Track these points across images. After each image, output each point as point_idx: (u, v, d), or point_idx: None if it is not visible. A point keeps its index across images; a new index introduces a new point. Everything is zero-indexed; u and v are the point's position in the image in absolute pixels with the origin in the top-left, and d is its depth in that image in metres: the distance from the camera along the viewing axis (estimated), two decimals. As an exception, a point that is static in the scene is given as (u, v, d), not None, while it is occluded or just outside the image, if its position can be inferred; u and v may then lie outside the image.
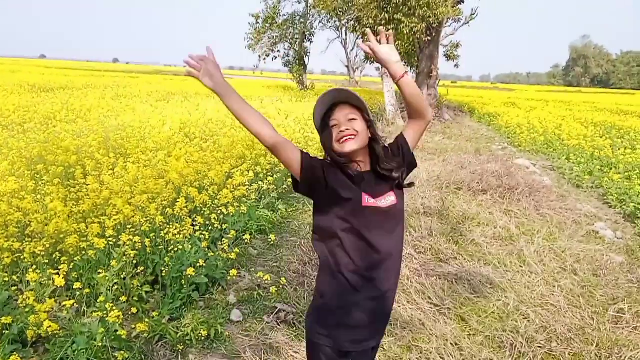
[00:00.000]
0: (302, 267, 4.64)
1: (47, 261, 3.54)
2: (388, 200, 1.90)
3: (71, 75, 32.84)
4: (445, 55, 25.27)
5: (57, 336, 2.96)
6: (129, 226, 3.99)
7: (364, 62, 40.70)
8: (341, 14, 22.41)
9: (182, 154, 6.14)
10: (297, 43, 30.19)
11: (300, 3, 30.01)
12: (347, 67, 53.28)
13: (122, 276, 3.59)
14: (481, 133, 16.85)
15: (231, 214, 5.00)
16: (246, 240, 4.56)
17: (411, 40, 22.09)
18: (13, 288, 3.39)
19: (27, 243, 3.54)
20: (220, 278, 4.22)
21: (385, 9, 16.86)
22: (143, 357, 3.17)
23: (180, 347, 3.28)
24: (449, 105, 23.15)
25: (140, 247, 3.75)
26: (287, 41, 30.18)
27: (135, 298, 3.63)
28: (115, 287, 3.42)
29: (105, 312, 2.97)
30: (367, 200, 1.85)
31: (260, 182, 6.02)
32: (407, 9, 16.74)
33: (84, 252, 3.61)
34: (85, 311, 3.31)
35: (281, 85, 34.01)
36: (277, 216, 6.03)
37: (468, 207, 6.80)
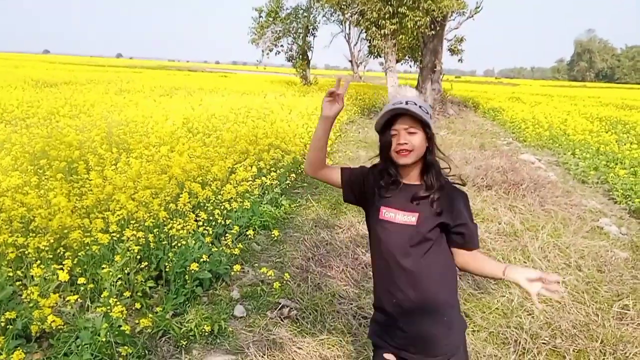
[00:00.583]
0: (305, 263, 4.64)
1: (51, 256, 3.55)
2: (408, 218, 1.86)
3: (75, 71, 32.90)
4: (449, 50, 25.16)
5: (61, 331, 2.97)
6: (132, 221, 3.98)
7: (368, 56, 40.61)
8: (345, 7, 22.33)
9: (185, 149, 6.13)
10: (300, 37, 30.12)
11: (303, -3, 29.93)
12: (351, 61, 53.13)
13: (125, 271, 3.59)
14: (485, 128, 16.79)
15: (234, 210, 4.99)
16: (249, 236, 4.56)
17: (415, 34, 21.98)
18: (17, 283, 3.39)
19: (31, 238, 3.55)
20: (224, 273, 4.22)
21: (389, 2, 16.79)
22: (147, 352, 3.18)
23: (184, 343, 3.28)
24: (453, 100, 23.07)
25: (143, 242, 3.75)
26: (290, 35, 30.11)
27: (139, 293, 3.64)
28: (119, 282, 3.43)
29: (109, 307, 2.97)
30: (384, 214, 1.89)
31: (263, 178, 6.01)
32: (411, 2, 16.66)
33: (87, 247, 3.61)
34: (89, 306, 3.31)
35: (284, 80, 33.97)
36: (280, 212, 6.02)
37: (472, 203, 6.76)
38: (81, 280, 3.12)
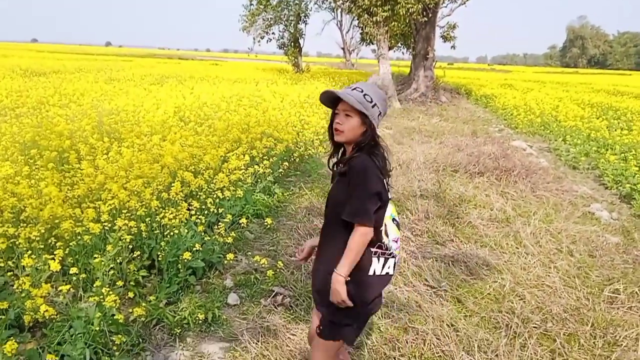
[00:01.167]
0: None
1: (42, 246, 3.52)
2: (333, 190, 2.20)
3: (63, 59, 32.49)
4: (441, 37, 25.09)
5: (54, 321, 2.96)
6: (124, 211, 3.96)
7: (360, 43, 40.43)
8: (336, -6, 22.15)
9: (177, 138, 6.09)
10: (291, 25, 29.90)
11: (294, -16, 29.65)
12: (343, 49, 52.90)
13: (118, 261, 3.58)
14: (478, 115, 16.81)
15: (227, 198, 4.98)
16: (243, 224, 4.55)
17: (407, 21, 21.90)
18: (9, 273, 3.37)
19: (22, 228, 3.52)
20: (217, 262, 4.22)
21: (381, -10, 16.68)
22: (141, 340, 3.18)
23: (178, 331, 3.29)
24: (445, 87, 23.04)
25: (136, 231, 3.73)
26: (281, 23, 29.88)
27: (132, 282, 3.63)
28: (112, 271, 3.41)
29: (101, 296, 2.96)
30: (331, 185, 2.26)
31: (256, 166, 5.98)
32: (403, -10, 16.56)
33: (79, 237, 3.59)
34: (82, 296, 3.30)
35: (276, 67, 33.76)
36: (273, 200, 6.02)
37: (464, 190, 6.80)
38: (73, 270, 3.10)
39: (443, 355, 3.16)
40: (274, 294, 3.88)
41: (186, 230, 4.11)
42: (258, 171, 5.98)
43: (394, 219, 2.17)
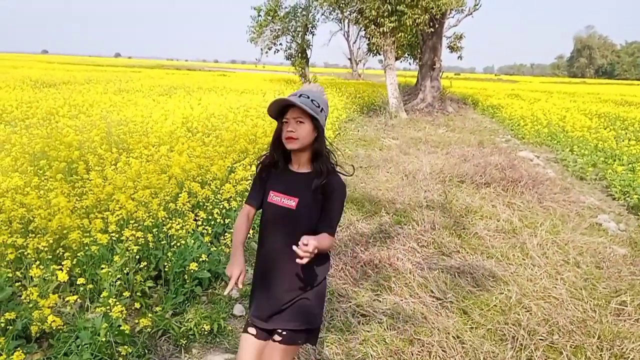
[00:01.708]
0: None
1: (50, 257, 3.56)
2: (289, 202, 2.12)
3: (73, 70, 32.87)
4: (448, 47, 25.19)
5: (61, 331, 2.98)
6: (131, 221, 4.00)
7: (367, 54, 40.59)
8: (343, 5, 22.26)
9: (185, 148, 6.15)
10: (299, 36, 30.05)
11: (302, -5, 29.85)
12: (350, 59, 53.09)
13: (125, 271, 3.61)
14: (484, 125, 16.79)
15: (234, 209, 5.01)
16: (249, 235, 4.56)
17: (414, 31, 22.03)
18: (17, 284, 3.41)
19: (31, 239, 3.56)
20: (223, 273, 4.23)
21: (387, 0, 16.77)
22: (147, 351, 3.20)
23: (184, 342, 3.30)
24: (452, 97, 23.07)
25: (143, 242, 3.77)
26: (289, 34, 30.04)
27: (139, 293, 3.65)
28: (119, 282, 3.44)
29: (108, 307, 2.98)
30: (272, 197, 2.16)
31: (262, 177, 6.01)
32: (410, 0, 16.65)
33: (87, 248, 3.63)
34: (88, 306, 3.33)
35: (284, 78, 33.93)
36: (279, 210, 6.02)
37: (471, 200, 6.79)
38: (80, 281, 3.13)
39: (448, 367, 3.15)
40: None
41: (193, 241, 4.14)
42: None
43: None
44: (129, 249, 3.57)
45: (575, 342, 3.42)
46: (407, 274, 4.40)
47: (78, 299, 3.06)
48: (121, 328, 3.01)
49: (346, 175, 2.23)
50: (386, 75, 18.68)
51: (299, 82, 28.86)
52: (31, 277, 3.27)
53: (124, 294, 3.36)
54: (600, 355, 3.30)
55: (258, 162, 2.27)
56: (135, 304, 3.37)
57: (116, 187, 4.52)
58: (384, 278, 4.33)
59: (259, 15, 29.13)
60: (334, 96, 18.27)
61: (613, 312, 3.85)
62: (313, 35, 30.78)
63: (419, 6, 16.72)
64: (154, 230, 4.10)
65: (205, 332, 3.39)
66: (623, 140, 11.06)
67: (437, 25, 19.96)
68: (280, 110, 2.10)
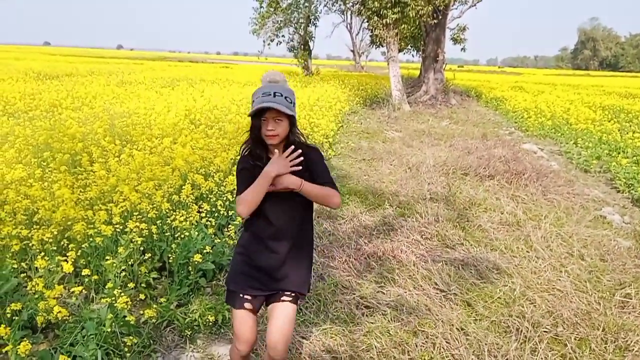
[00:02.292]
0: (308, 253, 4.65)
1: (55, 248, 3.57)
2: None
3: (76, 62, 32.85)
4: (451, 39, 25.06)
5: (66, 322, 3.00)
6: (135, 213, 4.00)
7: (370, 46, 40.41)
8: (346, -3, 22.18)
9: (188, 140, 6.14)
10: (301, 27, 29.96)
11: (304, -14, 29.70)
12: (353, 51, 52.91)
13: (129, 263, 3.61)
14: (488, 118, 16.74)
15: (237, 201, 5.01)
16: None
17: (417, 23, 21.88)
18: (22, 275, 3.42)
19: (35, 230, 3.57)
20: (227, 264, 4.24)
21: (390, -8, 16.66)
22: (152, 342, 3.21)
23: (188, 333, 3.31)
24: (456, 89, 22.95)
25: (147, 234, 3.77)
26: (291, 25, 29.95)
27: (143, 284, 3.66)
28: (123, 273, 3.45)
29: (113, 298, 2.99)
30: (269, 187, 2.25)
31: (266, 169, 6.00)
32: (413, -8, 16.53)
33: (91, 239, 3.64)
34: (94, 297, 3.34)
35: (286, 70, 33.79)
36: (283, 202, 6.02)
37: (475, 193, 6.78)
38: (85, 272, 3.14)
39: (453, 359, 3.15)
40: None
41: (196, 233, 4.14)
42: (268, 174, 6.00)
43: None
44: (133, 240, 3.57)
45: (580, 335, 3.42)
46: (410, 266, 4.39)
47: (83, 290, 3.06)
48: (126, 319, 3.02)
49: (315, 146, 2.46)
50: (389, 67, 18.59)
51: (302, 74, 28.78)
52: (36, 268, 3.28)
53: (128, 285, 3.37)
54: (605, 347, 3.30)
55: (241, 157, 2.41)
56: (140, 295, 3.38)
57: (120, 179, 4.53)
58: (387, 270, 4.33)
59: (261, 7, 29.03)
60: (337, 88, 18.21)
61: (617, 305, 3.85)
62: (315, 26, 30.71)
63: (422, -3, 16.60)
64: (158, 222, 4.10)
65: (210, 323, 3.39)
66: (627, 133, 11.00)
67: (440, 17, 19.83)
68: (258, 110, 2.24)
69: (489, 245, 5.03)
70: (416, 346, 3.25)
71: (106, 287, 3.18)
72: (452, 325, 3.49)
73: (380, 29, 17.83)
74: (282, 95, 2.22)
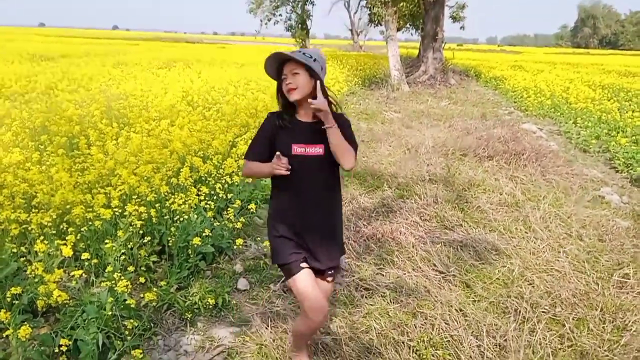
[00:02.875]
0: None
1: (54, 232, 3.57)
2: (316, 150, 2.35)
3: (71, 44, 32.49)
4: (451, 17, 24.79)
5: (67, 306, 3.01)
6: (134, 196, 3.99)
7: (368, 25, 40.00)
8: (344, -25, 21.85)
9: (186, 122, 6.10)
10: (299, 6, 29.65)
11: (302, -36, 29.28)
12: (351, 30, 52.40)
13: (129, 246, 3.61)
14: (487, 97, 16.65)
15: (236, 183, 5.00)
16: (252, 210, 4.57)
17: (416, 1, 21.62)
18: (21, 259, 3.42)
19: (34, 214, 3.56)
20: (227, 247, 4.25)
21: (389, -30, 16.42)
22: (152, 325, 3.23)
23: (189, 316, 3.33)
24: (455, 69, 22.78)
25: (146, 217, 3.76)
26: (289, 4, 29.62)
27: (143, 268, 3.67)
28: (123, 257, 3.45)
29: (113, 281, 3.00)
30: (296, 150, 2.34)
31: (264, 151, 5.97)
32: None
33: (90, 223, 3.63)
34: (94, 281, 3.35)
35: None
36: (281, 184, 6.01)
37: (474, 174, 6.77)
38: (85, 256, 3.14)
39: (452, 340, 3.17)
40: (283, 279, 3.90)
41: (196, 216, 4.14)
42: (266, 156, 5.97)
43: None
44: (132, 224, 3.57)
45: (578, 315, 3.44)
46: (409, 247, 4.41)
47: (83, 274, 3.06)
48: (127, 302, 3.03)
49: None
50: (388, 46, 18.41)
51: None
52: (36, 252, 3.28)
53: (128, 268, 3.37)
54: (603, 327, 3.32)
55: (268, 114, 2.46)
56: (140, 278, 3.39)
57: (118, 162, 4.50)
58: (386, 252, 4.34)
59: (258, -15, 28.63)
60: (335, 69, 18.05)
61: (615, 285, 3.87)
62: (313, 5, 30.44)
63: (422, -25, 16.38)
64: (157, 205, 4.09)
65: (210, 306, 3.41)
66: (627, 112, 10.95)
67: (439, -5, 19.58)
68: (277, 72, 2.33)
69: (487, 226, 5.04)
70: (415, 327, 3.27)
71: (106, 270, 3.19)
72: (451, 306, 3.51)
73: (378, 7, 17.62)
74: (300, 52, 2.29)
